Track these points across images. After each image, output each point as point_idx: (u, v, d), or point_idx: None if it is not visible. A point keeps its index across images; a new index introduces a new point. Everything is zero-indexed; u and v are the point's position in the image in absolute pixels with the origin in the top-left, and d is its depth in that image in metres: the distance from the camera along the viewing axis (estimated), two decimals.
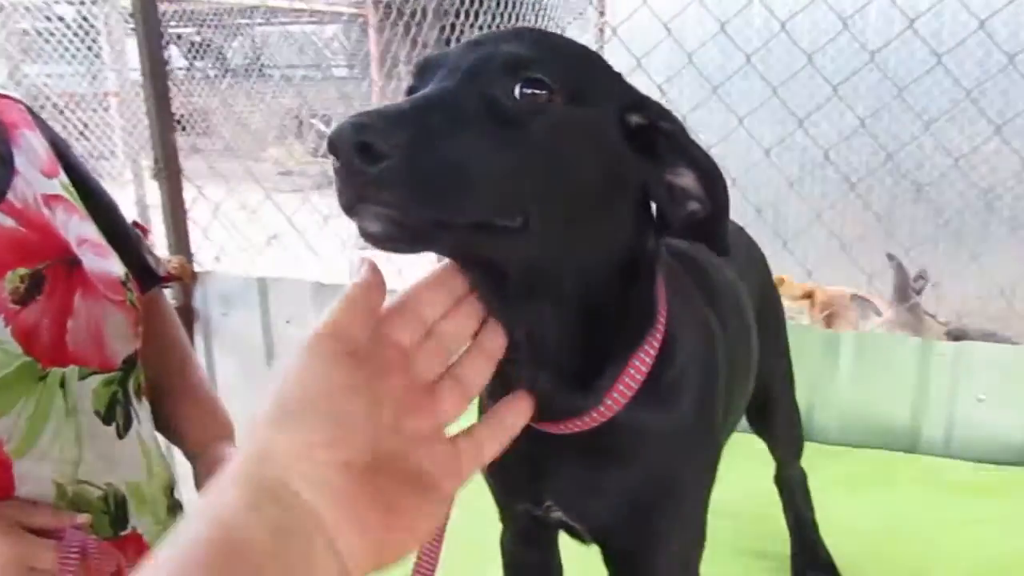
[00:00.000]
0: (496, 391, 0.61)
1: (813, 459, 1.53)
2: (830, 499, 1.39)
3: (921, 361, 1.57)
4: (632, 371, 0.59)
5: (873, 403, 1.61)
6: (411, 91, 0.53)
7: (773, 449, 1.12)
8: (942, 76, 1.81)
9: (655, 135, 0.57)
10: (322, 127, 5.85)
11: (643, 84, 0.65)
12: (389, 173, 0.44)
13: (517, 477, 0.68)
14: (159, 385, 1.21)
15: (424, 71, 0.53)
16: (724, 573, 1.21)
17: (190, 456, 1.28)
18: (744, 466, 1.28)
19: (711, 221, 0.58)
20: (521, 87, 0.49)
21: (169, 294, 2.10)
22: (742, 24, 2.70)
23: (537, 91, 0.49)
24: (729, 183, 0.59)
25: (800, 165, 2.92)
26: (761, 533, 1.27)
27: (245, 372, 2.23)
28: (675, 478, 0.64)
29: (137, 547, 1.12)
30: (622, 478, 0.63)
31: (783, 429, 1.10)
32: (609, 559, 0.67)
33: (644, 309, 0.60)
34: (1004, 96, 2.85)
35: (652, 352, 0.60)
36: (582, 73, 0.54)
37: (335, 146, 0.44)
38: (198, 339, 2.20)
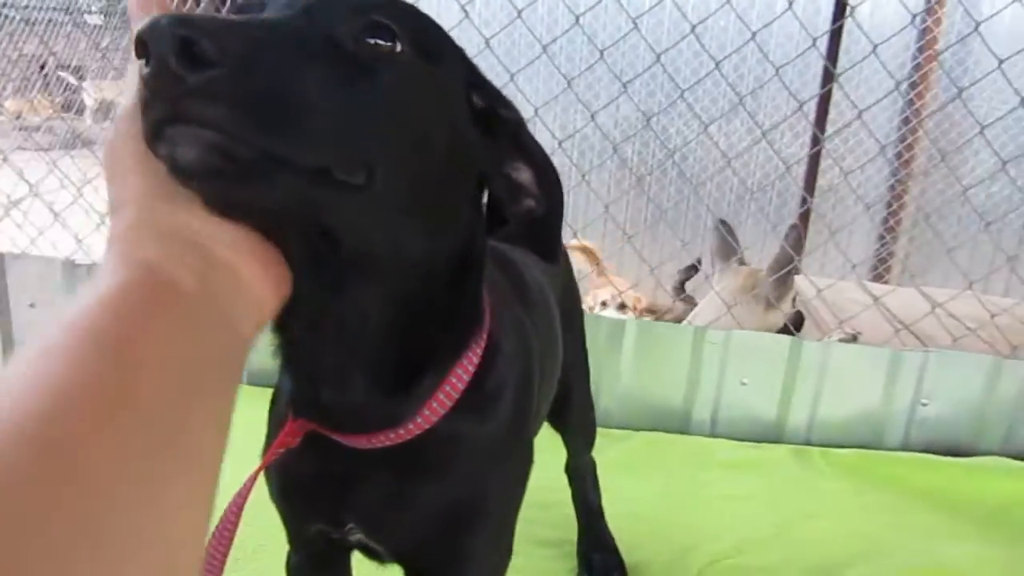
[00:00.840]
0: (301, 399, 0.53)
1: (598, 442, 1.60)
2: (612, 481, 1.44)
3: (695, 348, 1.67)
4: (454, 379, 0.54)
5: (651, 387, 1.70)
6: None
7: (567, 440, 1.13)
8: (719, 79, 1.94)
9: (495, 122, 0.52)
10: (73, 80, 5.23)
11: None
12: (218, 84, 0.35)
13: (314, 497, 0.61)
14: None
15: (249, 5, 0.45)
16: (513, 564, 1.21)
17: None
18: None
19: (546, 222, 0.54)
20: (367, 32, 0.43)
21: None
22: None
23: (383, 41, 0.43)
24: None
25: (589, 159, 3.04)
26: (546, 521, 1.28)
27: None
28: (489, 492, 0.61)
29: None
30: (434, 494, 0.58)
31: (578, 421, 1.11)
32: None
33: (472, 311, 0.56)
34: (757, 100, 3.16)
35: (476, 359, 0.55)
36: (431, 34, 0.49)
37: (145, 43, 0.35)
38: None
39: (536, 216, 0.54)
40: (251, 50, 0.37)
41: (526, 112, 0.59)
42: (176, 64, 0.35)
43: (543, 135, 1.95)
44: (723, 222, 2.30)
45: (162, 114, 0.36)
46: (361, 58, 0.43)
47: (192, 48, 0.35)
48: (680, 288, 2.63)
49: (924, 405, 1.68)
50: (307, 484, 0.60)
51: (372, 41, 0.43)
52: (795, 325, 2.03)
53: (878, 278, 3.35)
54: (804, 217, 3.13)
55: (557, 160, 0.57)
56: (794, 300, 2.28)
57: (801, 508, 1.43)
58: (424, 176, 0.47)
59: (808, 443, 1.68)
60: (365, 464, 0.56)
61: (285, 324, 0.50)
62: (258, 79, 0.37)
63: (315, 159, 0.40)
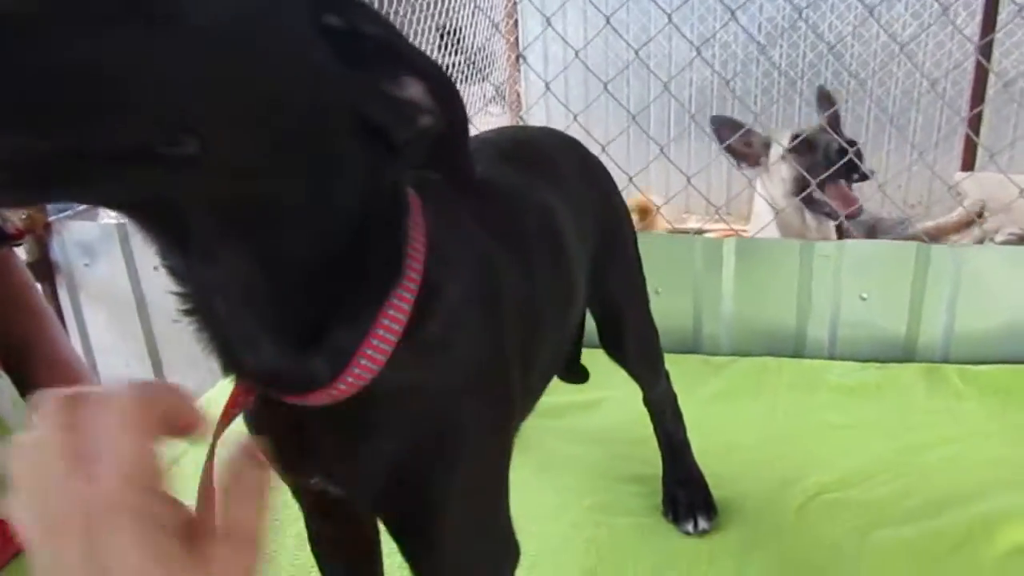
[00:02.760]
0: (227, 364, 0.51)
1: (699, 373, 1.51)
2: (711, 412, 1.36)
3: (804, 263, 1.52)
4: (382, 331, 0.49)
5: (758, 310, 1.57)
6: None
7: (629, 371, 1.05)
8: None
9: (361, 43, 0.44)
10: None
11: None
12: None
13: (285, 450, 0.59)
14: (17, 350, 1.14)
15: None
16: (599, 501, 1.17)
17: None
18: (617, 392, 1.24)
19: (450, 137, 0.47)
20: None
21: (24, 249, 1.93)
22: None
23: None
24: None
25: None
26: (635, 457, 1.22)
27: (116, 324, 2.08)
28: (451, 444, 0.55)
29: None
30: (387, 448, 0.54)
31: (636, 351, 1.03)
32: (391, 532, 0.59)
33: (388, 256, 0.50)
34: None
35: (405, 305, 0.50)
36: None
37: None
38: (63, 294, 2.03)
39: (436, 133, 0.47)
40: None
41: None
42: None
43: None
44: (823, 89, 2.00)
45: None
46: (154, 3, 0.35)
47: None
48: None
49: None
50: (277, 437, 0.58)
51: None
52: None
53: None
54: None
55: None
56: None
57: (929, 434, 1.27)
58: (271, 130, 0.41)
59: (945, 361, 1.50)
60: (316, 420, 0.53)
61: (185, 296, 0.47)
62: (15, 56, 0.31)
63: (126, 139, 0.35)
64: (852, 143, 1.81)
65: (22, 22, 0.31)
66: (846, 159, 1.77)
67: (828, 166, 1.85)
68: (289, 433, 0.55)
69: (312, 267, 0.47)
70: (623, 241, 0.98)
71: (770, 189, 2.13)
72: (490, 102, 3.95)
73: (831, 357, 1.55)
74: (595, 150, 1.02)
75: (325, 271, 0.47)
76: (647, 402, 1.15)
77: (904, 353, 1.53)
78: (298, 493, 0.66)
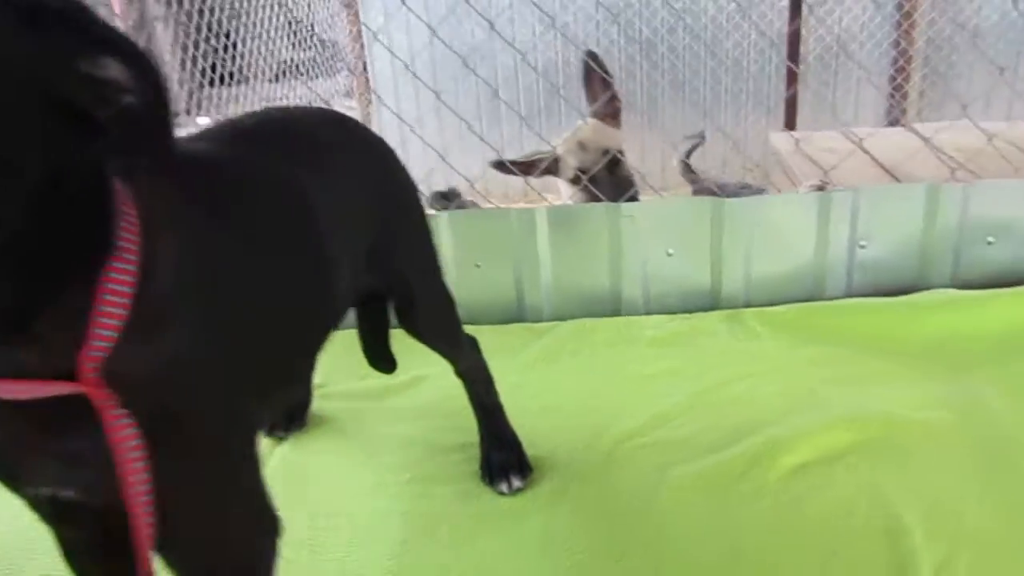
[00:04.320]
0: None
1: (522, 340, 1.55)
2: (531, 377, 1.40)
3: (611, 225, 1.59)
4: (103, 316, 0.48)
5: (575, 274, 1.63)
6: None
7: (430, 345, 1.07)
8: None
9: (48, 17, 0.43)
10: None
11: None
12: None
13: (6, 459, 0.56)
14: None
15: None
16: (419, 474, 1.18)
17: None
18: (436, 369, 1.25)
19: (152, 116, 0.47)
20: None
21: None
22: None
23: None
24: None
25: None
26: (455, 428, 1.24)
27: None
28: (170, 426, 0.54)
29: None
30: (103, 439, 0.52)
31: (430, 324, 1.04)
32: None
33: (95, 238, 0.49)
34: None
35: (125, 288, 0.49)
36: None
37: None
38: None
39: (138, 112, 0.46)
40: None
41: None
42: None
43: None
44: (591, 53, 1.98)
45: None
46: None
47: None
48: (686, 162, 2.44)
49: (863, 247, 1.58)
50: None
51: None
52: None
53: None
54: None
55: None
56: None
57: (727, 373, 1.37)
58: None
59: (747, 306, 1.61)
60: (38, 420, 0.50)
61: None
62: None
63: None
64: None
65: None
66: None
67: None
68: (6, 439, 0.52)
69: (5, 251, 0.45)
70: (409, 217, 0.98)
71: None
72: (346, 96, 3.89)
73: (647, 313, 1.63)
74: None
75: (21, 255, 0.45)
76: (458, 374, 1.16)
77: (711, 301, 1.62)
78: (34, 504, 0.63)
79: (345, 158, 0.86)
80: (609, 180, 1.85)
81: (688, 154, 2.47)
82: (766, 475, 1.10)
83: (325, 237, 0.75)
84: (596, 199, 1.73)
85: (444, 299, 1.07)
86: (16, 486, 0.58)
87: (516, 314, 1.65)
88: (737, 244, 1.58)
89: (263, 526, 0.63)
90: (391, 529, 1.06)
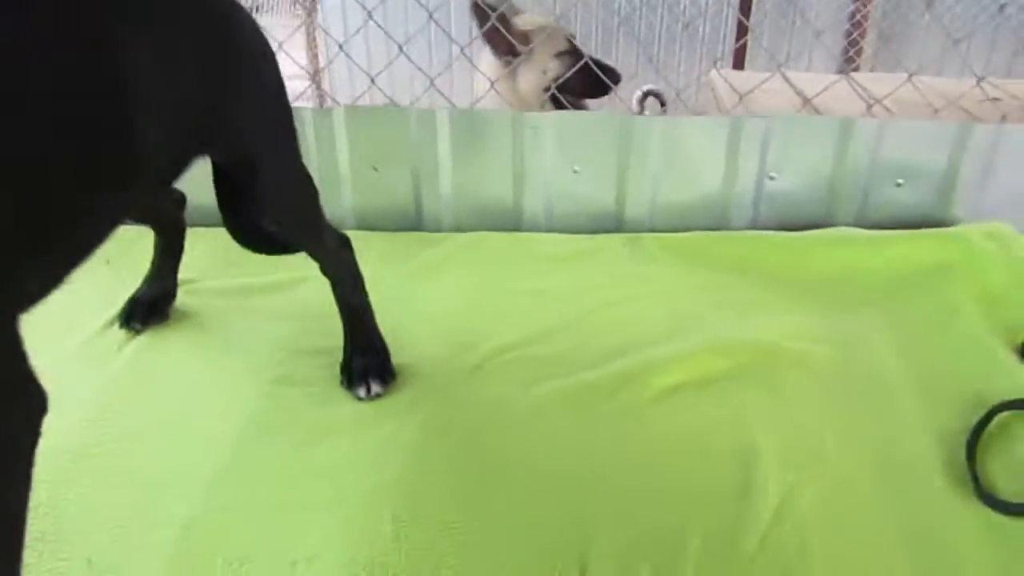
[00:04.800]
0: None
1: (415, 248, 1.48)
2: (417, 287, 1.34)
3: (516, 135, 1.51)
4: None
5: (476, 184, 1.55)
6: None
7: (289, 241, 0.99)
8: None
9: None
10: None
11: None
12: None
13: None
14: None
15: None
16: (278, 374, 1.12)
17: None
18: (302, 270, 1.18)
19: None
20: None
21: None
22: None
23: None
24: None
25: None
26: (323, 332, 1.17)
27: None
28: None
29: None
30: None
31: (285, 214, 0.96)
32: None
33: None
34: None
35: None
36: None
37: None
38: None
39: None
40: None
41: None
42: None
43: None
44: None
45: None
46: None
47: None
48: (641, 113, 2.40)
49: (772, 179, 1.54)
50: None
51: None
52: None
53: None
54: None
55: None
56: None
57: (617, 294, 1.32)
58: None
59: (652, 231, 1.56)
60: None
61: None
62: None
63: None
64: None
65: None
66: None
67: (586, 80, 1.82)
68: None
69: None
70: (257, 88, 0.89)
71: (524, 74, 2.07)
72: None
73: (548, 230, 1.57)
74: None
75: None
76: (324, 272, 1.09)
77: (615, 224, 1.57)
78: None
79: (176, 18, 0.76)
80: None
81: (640, 105, 2.42)
82: (636, 396, 1.07)
83: (127, 81, 0.65)
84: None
85: (301, 185, 0.98)
86: None
87: (414, 222, 1.58)
88: (644, 167, 1.52)
89: (16, 401, 0.56)
90: (230, 428, 1.00)
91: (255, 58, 0.89)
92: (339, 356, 1.12)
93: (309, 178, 1.00)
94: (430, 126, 1.50)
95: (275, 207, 0.94)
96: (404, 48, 1.52)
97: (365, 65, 1.67)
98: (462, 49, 1.64)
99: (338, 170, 1.54)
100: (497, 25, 1.72)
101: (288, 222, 0.98)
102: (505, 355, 1.15)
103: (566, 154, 1.53)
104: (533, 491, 0.91)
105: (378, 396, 1.06)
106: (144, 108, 0.67)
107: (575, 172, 1.54)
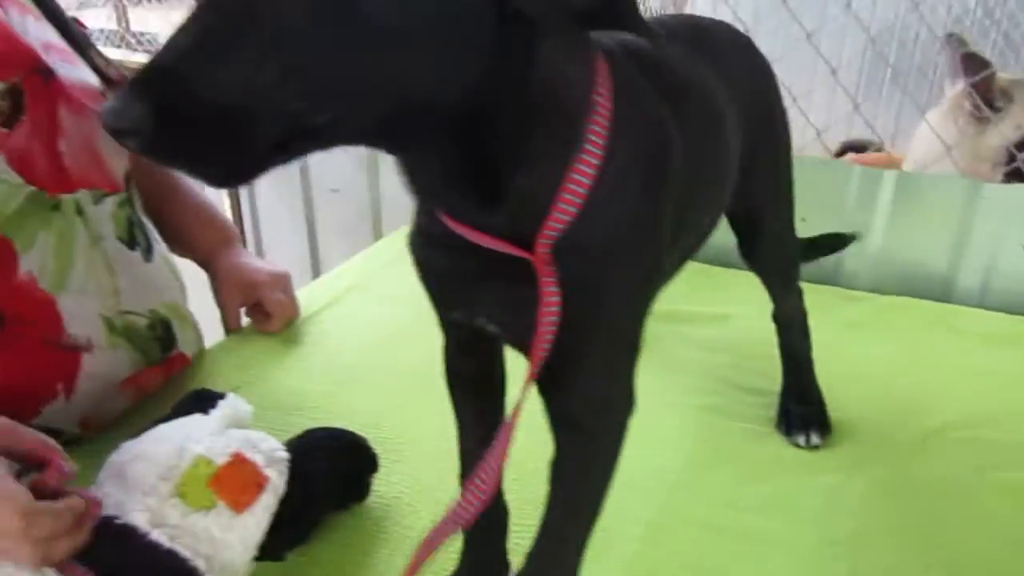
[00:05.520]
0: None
1: (834, 303, 1.48)
2: (838, 341, 1.34)
3: (966, 204, 1.45)
4: (571, 187, 0.55)
5: (908, 249, 1.52)
6: None
7: (761, 276, 1.06)
8: None
9: None
10: None
11: None
12: (147, 145, 0.42)
13: (449, 289, 0.66)
14: (154, 198, 1.19)
15: None
16: (713, 403, 1.19)
17: (203, 264, 1.30)
18: (747, 310, 1.25)
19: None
20: None
21: None
22: None
23: None
24: None
25: None
26: (755, 371, 1.23)
27: (276, 191, 2.25)
28: (601, 293, 0.60)
29: (182, 363, 1.15)
30: (533, 296, 0.59)
31: (770, 254, 1.03)
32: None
33: (557, 124, 0.54)
34: None
35: (594, 161, 0.55)
36: None
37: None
38: None
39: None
40: (157, 97, 0.41)
41: None
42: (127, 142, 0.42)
43: None
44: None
45: None
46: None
47: (122, 133, 0.42)
48: None
49: None
50: (444, 272, 0.65)
51: None
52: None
53: None
54: None
55: None
56: None
57: None
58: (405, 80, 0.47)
59: None
60: (487, 262, 0.58)
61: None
62: (172, 122, 0.41)
63: (269, 138, 0.44)
64: None
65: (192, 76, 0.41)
66: None
67: None
68: (458, 270, 0.61)
69: (477, 139, 0.52)
70: (776, 145, 0.96)
71: (998, 129, 1.89)
72: None
73: (980, 306, 1.48)
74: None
75: (489, 142, 0.53)
76: (775, 316, 1.15)
77: None
78: (448, 328, 0.73)
79: (741, 74, 0.86)
80: None
81: None
82: None
83: (728, 146, 0.77)
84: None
85: (791, 236, 1.06)
86: (447, 309, 0.69)
87: (831, 277, 1.58)
88: None
89: (630, 403, 0.69)
90: (675, 443, 1.09)
91: (780, 110, 0.97)
92: (772, 399, 1.17)
93: (795, 227, 1.06)
94: (872, 187, 1.49)
95: (768, 254, 1.02)
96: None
97: None
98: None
99: None
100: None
101: (775, 268, 1.06)
102: (948, 434, 1.12)
103: (1016, 227, 1.43)
104: None
105: (815, 447, 1.09)
106: (734, 165, 0.79)
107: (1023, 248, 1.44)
